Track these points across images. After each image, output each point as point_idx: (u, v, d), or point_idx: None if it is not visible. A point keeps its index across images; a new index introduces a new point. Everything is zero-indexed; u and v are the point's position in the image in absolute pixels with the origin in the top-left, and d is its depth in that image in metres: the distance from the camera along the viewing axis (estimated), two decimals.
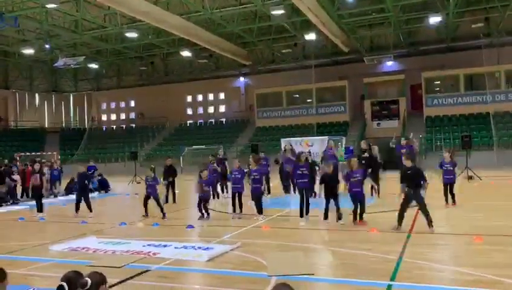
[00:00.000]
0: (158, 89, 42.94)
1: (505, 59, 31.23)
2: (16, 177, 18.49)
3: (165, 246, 8.20)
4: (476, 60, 29.90)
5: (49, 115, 46.84)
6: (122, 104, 47.51)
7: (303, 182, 10.73)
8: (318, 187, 11.11)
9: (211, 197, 13.37)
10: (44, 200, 14.03)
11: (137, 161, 28.14)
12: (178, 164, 27.61)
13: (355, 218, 9.71)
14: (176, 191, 15.46)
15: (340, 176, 10.83)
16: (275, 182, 17.08)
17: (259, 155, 15.37)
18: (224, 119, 42.31)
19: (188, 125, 43.27)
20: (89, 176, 13.88)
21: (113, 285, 5.69)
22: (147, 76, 44.34)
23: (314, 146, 22.07)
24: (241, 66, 38.90)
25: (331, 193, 9.92)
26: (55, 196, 18.87)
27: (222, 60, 39.38)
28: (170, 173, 15.15)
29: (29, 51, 33.97)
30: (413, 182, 8.75)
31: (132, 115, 46.91)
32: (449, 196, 12.01)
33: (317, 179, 12.20)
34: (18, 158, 27.22)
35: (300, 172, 10.74)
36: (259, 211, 10.92)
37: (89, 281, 3.00)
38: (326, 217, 10.05)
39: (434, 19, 27.76)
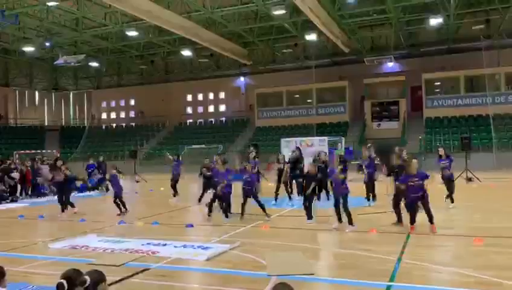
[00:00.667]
0: (158, 87, 42.95)
1: (505, 61, 31.25)
2: (15, 175, 18.46)
3: (164, 245, 8.19)
4: (476, 61, 29.88)
5: (49, 113, 46.81)
6: (122, 103, 47.47)
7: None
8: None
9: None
10: (44, 199, 14.02)
11: (136, 160, 28.12)
12: None
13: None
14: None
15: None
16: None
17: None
18: (224, 119, 42.30)
19: (188, 124, 43.26)
20: (72, 180, 13.92)
21: (113, 283, 5.69)
22: (147, 75, 44.33)
23: (314, 146, 22.02)
24: (242, 65, 38.90)
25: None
26: (54, 194, 18.83)
27: (222, 60, 39.37)
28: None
29: (29, 49, 33.95)
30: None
31: (132, 114, 46.87)
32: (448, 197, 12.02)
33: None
34: (17, 156, 27.17)
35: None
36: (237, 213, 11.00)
37: (88, 279, 3.00)
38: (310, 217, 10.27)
39: (435, 21, 27.75)
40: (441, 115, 33.10)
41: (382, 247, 7.66)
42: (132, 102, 46.86)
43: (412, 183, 8.85)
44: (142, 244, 8.22)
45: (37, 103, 46.39)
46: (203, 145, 32.52)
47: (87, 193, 19.23)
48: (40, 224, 11.87)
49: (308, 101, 37.02)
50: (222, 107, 43.24)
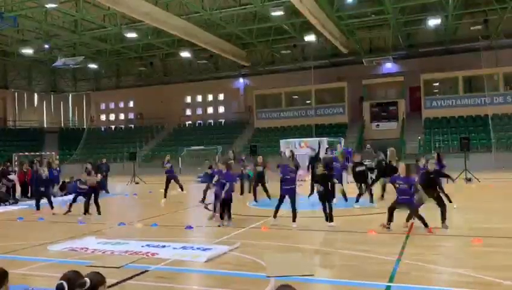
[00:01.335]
0: (157, 89, 42.94)
1: (503, 61, 31.29)
2: (13, 177, 18.46)
3: (163, 246, 8.19)
4: (475, 62, 29.95)
5: (47, 115, 46.75)
6: (121, 105, 47.46)
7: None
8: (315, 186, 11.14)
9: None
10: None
11: (135, 162, 28.10)
12: (177, 165, 27.59)
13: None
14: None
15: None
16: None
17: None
18: (223, 120, 42.29)
19: (187, 126, 43.26)
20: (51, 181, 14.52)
21: (112, 285, 5.68)
22: (146, 76, 44.33)
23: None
24: (241, 67, 38.93)
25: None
26: (54, 196, 18.79)
27: (221, 61, 39.39)
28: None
29: (28, 51, 33.93)
30: None
31: (131, 116, 46.85)
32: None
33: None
34: (16, 158, 27.17)
35: None
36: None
37: (88, 281, 3.00)
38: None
39: (433, 21, 27.80)
40: (440, 115, 33.14)
41: (381, 248, 7.66)
42: (131, 104, 46.85)
43: (397, 186, 8.99)
44: (142, 246, 8.21)
45: (36, 105, 46.34)
46: (202, 147, 32.56)
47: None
48: (39, 226, 11.86)
49: (307, 102, 37.04)
50: (221, 109, 43.25)
